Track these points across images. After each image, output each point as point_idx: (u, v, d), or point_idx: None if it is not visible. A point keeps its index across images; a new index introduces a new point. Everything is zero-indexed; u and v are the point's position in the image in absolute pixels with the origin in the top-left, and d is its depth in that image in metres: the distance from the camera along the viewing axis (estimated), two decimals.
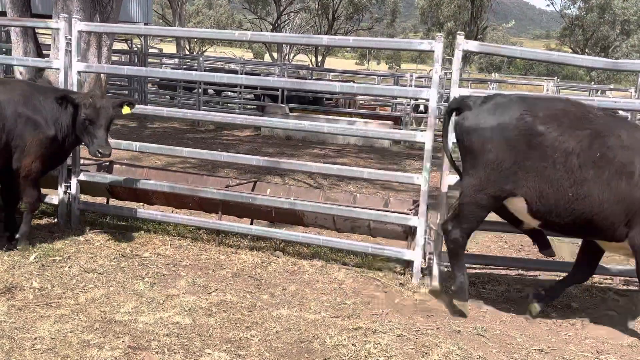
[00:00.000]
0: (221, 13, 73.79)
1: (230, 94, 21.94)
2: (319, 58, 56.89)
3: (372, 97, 20.14)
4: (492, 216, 5.01)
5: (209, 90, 21.59)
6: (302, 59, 62.78)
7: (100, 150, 5.34)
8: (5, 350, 3.84)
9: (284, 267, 5.79)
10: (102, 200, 7.06)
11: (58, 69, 6.38)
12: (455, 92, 5.19)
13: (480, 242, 7.20)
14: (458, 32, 5.18)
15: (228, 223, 6.28)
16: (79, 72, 6.30)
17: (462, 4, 54.89)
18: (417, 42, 5.35)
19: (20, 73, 11.14)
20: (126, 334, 4.18)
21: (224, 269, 5.66)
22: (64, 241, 6.03)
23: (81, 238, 6.18)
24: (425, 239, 5.53)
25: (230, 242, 6.43)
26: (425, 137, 5.41)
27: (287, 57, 52.94)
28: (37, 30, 12.33)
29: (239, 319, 4.57)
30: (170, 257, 5.86)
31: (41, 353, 3.85)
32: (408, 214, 5.64)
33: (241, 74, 20.81)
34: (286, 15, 54.62)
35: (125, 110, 5.69)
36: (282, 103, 17.93)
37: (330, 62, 68.40)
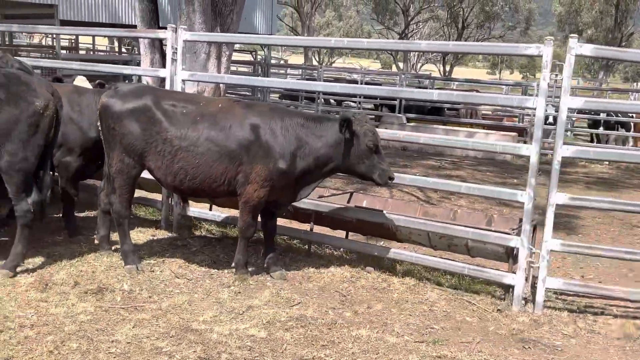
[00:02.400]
0: (350, 25, 74.71)
1: (351, 104, 21.96)
2: (447, 67, 55.72)
3: (496, 108, 19.23)
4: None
5: (331, 100, 21.73)
6: (430, 68, 61.84)
7: (391, 176, 5.14)
8: (82, 351, 3.93)
9: (373, 283, 5.51)
10: (204, 206, 7.18)
11: (164, 77, 6.58)
12: (567, 101, 4.66)
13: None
14: (570, 35, 4.65)
15: (320, 234, 6.13)
16: (183, 81, 6.46)
17: (605, 9, 51.24)
18: (524, 46, 4.87)
19: (147, 82, 11.82)
20: (199, 344, 4.13)
21: (311, 281, 5.50)
22: (162, 245, 6.19)
23: (179, 243, 6.31)
24: (528, 262, 5.01)
25: (321, 253, 6.27)
26: (531, 151, 4.91)
27: (414, 67, 52.38)
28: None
29: (315, 336, 4.38)
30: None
31: (114, 357, 3.89)
32: (509, 233, 5.15)
33: (361, 84, 20.78)
34: (414, 25, 54.04)
35: None
36: (399, 113, 17.60)
37: (460, 72, 66.84)
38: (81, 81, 6.71)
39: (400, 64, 52.32)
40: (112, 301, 4.74)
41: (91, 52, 25.17)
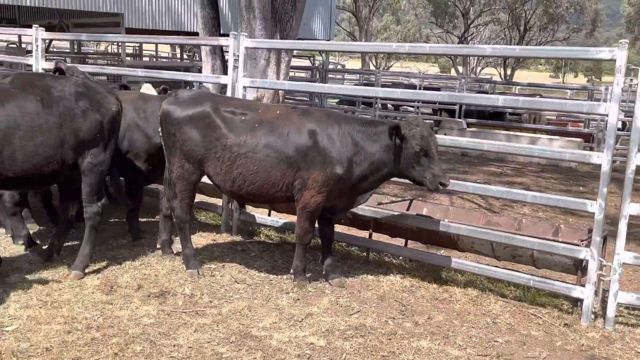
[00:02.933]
0: (408, 28, 74.17)
1: (408, 108, 21.74)
2: (508, 71, 54.53)
3: (561, 113, 18.62)
4: None
5: (388, 105, 21.59)
6: (491, 71, 60.70)
7: (442, 182, 4.92)
8: (145, 354, 3.99)
9: (434, 293, 5.39)
10: (263, 212, 7.22)
11: (226, 84, 6.66)
12: None
13: None
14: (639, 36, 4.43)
15: (379, 242, 6.06)
16: (244, 87, 6.53)
17: None
18: (596, 50, 4.67)
19: (209, 88, 12.04)
20: (259, 350, 4.13)
21: (370, 290, 5.43)
22: (222, 250, 6.25)
23: (238, 247, 6.36)
24: (598, 274, 4.79)
25: (380, 261, 6.20)
26: (602, 159, 4.70)
27: (473, 71, 51.52)
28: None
29: (375, 347, 4.31)
30: (318, 273, 5.77)
31: None
32: (578, 244, 4.94)
33: (420, 88, 20.57)
34: (474, 28, 53.18)
35: None
36: (459, 117, 17.30)
37: (522, 75, 65.30)
38: (147, 89, 6.86)
39: (460, 68, 51.58)
40: (174, 305, 4.81)
41: (154, 59, 25.86)
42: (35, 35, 8.18)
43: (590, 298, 4.82)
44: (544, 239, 5.06)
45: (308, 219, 5.28)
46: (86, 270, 5.28)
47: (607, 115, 4.61)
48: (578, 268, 5.06)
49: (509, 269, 5.47)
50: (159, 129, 5.57)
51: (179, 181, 5.43)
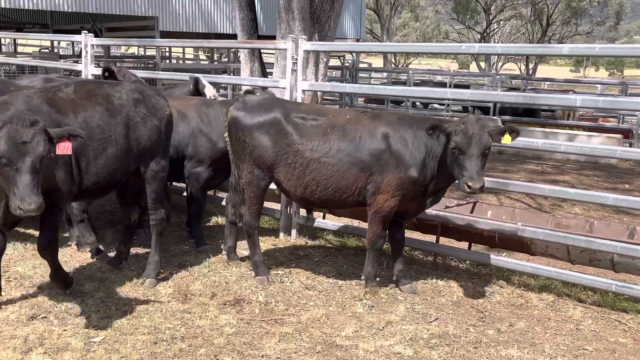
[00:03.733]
0: (427, 25, 73.73)
1: (437, 106, 21.57)
2: (530, 66, 53.91)
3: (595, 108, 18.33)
4: None
5: (417, 103, 21.43)
6: (512, 67, 60.11)
7: (468, 184, 4.59)
8: None
9: (509, 299, 5.28)
10: (318, 214, 7.16)
11: (284, 88, 6.59)
12: None
13: None
14: None
15: (446, 246, 5.96)
16: (303, 91, 6.46)
17: None
18: None
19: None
20: None
21: (443, 296, 5.34)
22: (285, 255, 6.19)
23: (300, 252, 6.30)
24: None
25: (446, 266, 6.10)
26: None
27: (494, 66, 51.02)
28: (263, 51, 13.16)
29: (463, 356, 4.22)
30: (386, 278, 5.69)
31: None
32: None
33: (449, 86, 20.40)
34: (495, 24, 52.66)
35: (506, 139, 4.82)
36: (494, 115, 17.08)
37: (543, 70, 64.58)
38: (209, 90, 6.80)
39: (482, 64, 51.12)
40: (251, 313, 4.75)
41: (180, 62, 25.94)
42: (84, 42, 8.19)
43: None
44: (626, 242, 4.92)
45: (380, 224, 5.19)
46: (157, 280, 5.26)
47: None
48: None
49: (587, 275, 5.34)
50: (225, 135, 5.52)
51: (248, 187, 5.38)
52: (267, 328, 4.50)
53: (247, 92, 5.88)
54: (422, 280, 5.65)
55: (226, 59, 23.82)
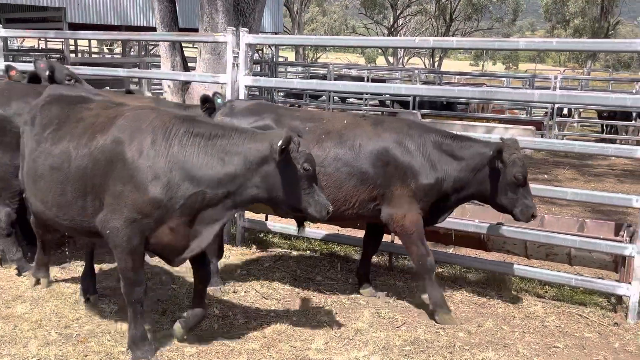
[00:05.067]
0: (334, 19, 74.32)
1: (354, 101, 21.61)
2: (429, 61, 55.49)
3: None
4: None
5: (335, 97, 21.36)
6: (416, 61, 61.73)
7: (534, 214, 4.49)
8: None
9: (471, 298, 5.21)
10: (261, 216, 6.83)
11: (225, 83, 6.20)
12: None
13: None
14: None
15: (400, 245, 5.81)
16: (246, 87, 6.09)
17: None
18: (639, 42, 4.57)
19: (169, 86, 11.39)
20: None
21: (404, 298, 5.17)
22: (234, 262, 5.83)
23: (249, 258, 5.96)
24: None
25: (402, 266, 5.96)
26: None
27: (401, 61, 52.18)
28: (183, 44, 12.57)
29: None
30: (343, 282, 5.47)
31: None
32: (621, 241, 4.87)
33: (367, 80, 20.46)
34: (401, 19, 53.84)
35: None
36: (413, 109, 17.30)
37: (445, 65, 66.78)
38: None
39: (390, 58, 52.14)
40: (210, 329, 4.37)
41: (87, 55, 24.52)
42: None
43: (636, 295, 4.76)
44: (585, 236, 4.96)
45: (416, 241, 4.66)
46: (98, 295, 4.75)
47: None
48: (618, 265, 5.00)
49: (546, 270, 5.35)
50: None
51: None
52: (232, 346, 4.14)
53: (205, 99, 5.32)
54: (380, 282, 5.48)
55: (134, 52, 22.73)
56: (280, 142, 3.56)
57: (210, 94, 5.53)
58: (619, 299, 5.01)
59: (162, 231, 3.65)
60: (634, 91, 20.14)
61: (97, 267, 5.42)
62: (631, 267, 4.85)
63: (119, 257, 3.73)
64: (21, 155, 4.21)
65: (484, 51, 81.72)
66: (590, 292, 5.26)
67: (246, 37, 6.01)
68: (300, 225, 4.59)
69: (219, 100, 5.33)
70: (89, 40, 21.95)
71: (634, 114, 17.21)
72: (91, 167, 3.70)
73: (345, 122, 4.82)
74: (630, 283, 4.80)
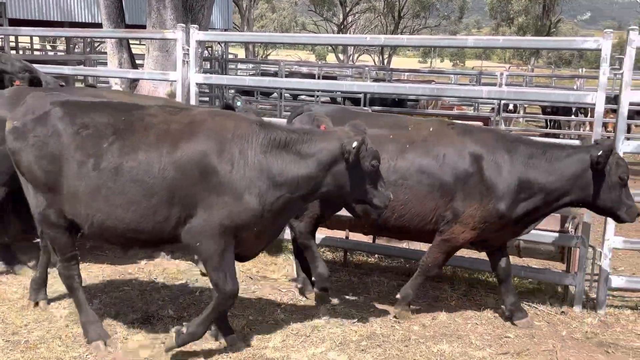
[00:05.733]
0: (284, 16, 74.11)
1: (306, 98, 21.61)
2: (379, 58, 56.03)
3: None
4: None
5: (285, 95, 21.32)
6: (366, 59, 62.17)
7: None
8: None
9: (424, 291, 5.29)
10: None
11: (175, 80, 6.11)
12: (628, 95, 4.58)
13: None
14: (630, 27, 4.55)
15: (353, 241, 5.86)
16: (197, 84, 6.02)
17: None
18: (580, 40, 4.75)
19: (116, 84, 11.14)
20: None
21: (360, 294, 5.22)
22: (186, 262, 5.75)
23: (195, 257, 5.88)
24: (588, 260, 4.91)
25: (357, 262, 6.00)
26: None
27: (351, 58, 52.50)
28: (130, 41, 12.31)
29: (397, 355, 4.12)
30: (289, 277, 5.47)
31: None
32: (567, 232, 5.04)
33: (319, 77, 20.51)
34: (351, 17, 54.14)
35: None
36: (364, 106, 17.43)
37: (396, 62, 67.49)
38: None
39: (341, 56, 52.35)
40: (164, 331, 4.29)
41: (28, 52, 23.68)
42: None
43: (582, 284, 4.93)
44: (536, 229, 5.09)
45: (446, 254, 4.59)
46: (48, 299, 4.61)
47: (594, 105, 4.70)
48: (564, 255, 5.17)
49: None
50: None
51: None
52: (187, 346, 4.08)
53: (227, 105, 5.02)
54: (336, 278, 5.51)
55: (78, 50, 22.12)
56: (355, 144, 3.64)
57: (230, 99, 5.36)
58: (566, 288, 5.18)
59: (249, 236, 3.74)
60: (575, 87, 20.84)
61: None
62: (576, 258, 5.04)
63: (212, 268, 3.76)
64: (44, 171, 3.76)
65: (432, 48, 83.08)
66: (539, 283, 5.42)
67: (196, 34, 5.94)
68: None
69: (238, 103, 5.20)
70: (31, 36, 21.21)
71: (573, 109, 17.82)
72: (179, 178, 3.60)
73: (431, 130, 4.57)
74: (575, 273, 4.97)
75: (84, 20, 17.15)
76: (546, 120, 19.88)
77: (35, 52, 25.49)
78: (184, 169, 3.60)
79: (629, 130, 18.13)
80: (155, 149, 3.64)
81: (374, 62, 55.49)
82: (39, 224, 3.95)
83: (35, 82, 5.50)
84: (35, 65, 5.96)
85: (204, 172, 3.59)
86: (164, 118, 3.79)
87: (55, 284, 4.94)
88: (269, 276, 5.51)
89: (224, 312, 3.98)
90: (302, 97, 21.66)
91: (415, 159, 4.43)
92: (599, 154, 4.17)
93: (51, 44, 34.55)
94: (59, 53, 27.81)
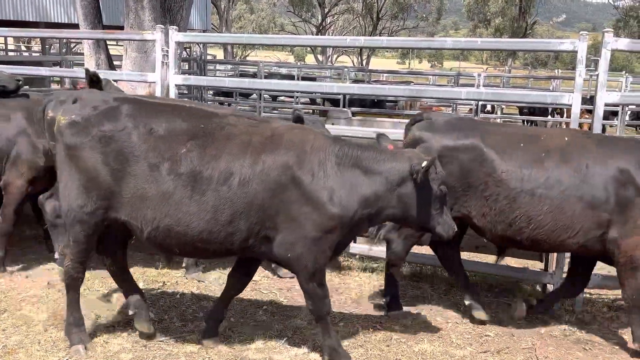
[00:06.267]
0: (262, 17, 73.96)
1: (286, 99, 21.61)
2: (364, 58, 56.26)
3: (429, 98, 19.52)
4: None
5: (265, 96, 21.28)
6: (345, 60, 62.33)
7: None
8: None
9: (405, 290, 5.32)
10: None
11: (154, 82, 6.07)
12: (604, 96, 4.66)
13: None
14: (605, 29, 4.63)
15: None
16: (176, 86, 5.98)
17: None
18: (557, 42, 4.82)
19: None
20: None
21: (341, 293, 5.25)
22: (159, 265, 5.69)
23: (183, 260, 5.85)
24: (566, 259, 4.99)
25: (337, 263, 6.01)
26: None
27: (330, 59, 52.60)
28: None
29: (379, 355, 4.14)
30: (280, 281, 5.48)
31: None
32: None
33: (298, 78, 20.53)
34: (329, 18, 54.26)
35: None
36: (344, 107, 17.48)
37: (373, 63, 67.80)
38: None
39: (319, 57, 52.43)
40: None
41: (2, 53, 23.32)
42: None
43: (559, 283, 5.00)
44: None
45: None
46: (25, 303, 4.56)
47: (571, 105, 4.78)
48: (544, 255, 5.24)
49: (477, 260, 5.55)
50: None
51: None
52: (168, 349, 4.07)
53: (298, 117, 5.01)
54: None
55: (54, 50, 21.85)
56: (425, 164, 3.61)
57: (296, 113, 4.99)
58: (544, 286, 5.25)
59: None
60: (551, 88, 21.14)
61: (23, 274, 5.24)
62: (554, 257, 5.11)
63: (305, 278, 3.75)
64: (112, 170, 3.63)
65: (411, 50, 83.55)
66: (517, 281, 5.49)
67: (176, 35, 5.91)
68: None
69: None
70: (5, 37, 20.89)
71: (549, 109, 18.08)
72: (260, 190, 3.56)
73: (566, 139, 4.35)
74: (553, 272, 5.04)
75: (59, 21, 16.93)
76: (523, 121, 20.11)
77: (10, 53, 25.18)
78: (266, 181, 3.57)
79: (603, 131, 18.53)
80: (237, 159, 3.59)
81: (353, 63, 55.67)
82: (74, 224, 3.75)
83: None
84: (10, 66, 5.89)
85: (287, 184, 3.58)
86: (245, 129, 3.73)
87: (34, 288, 4.90)
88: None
89: (327, 313, 3.90)
90: (282, 98, 21.69)
91: (553, 169, 4.21)
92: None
93: (26, 44, 34.09)
94: (34, 54, 27.49)
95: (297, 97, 20.10)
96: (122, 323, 4.39)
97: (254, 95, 19.91)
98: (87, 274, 5.26)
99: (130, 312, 4.15)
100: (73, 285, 3.94)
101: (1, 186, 5.25)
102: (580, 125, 5.07)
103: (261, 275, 5.59)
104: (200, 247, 3.69)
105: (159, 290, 5.06)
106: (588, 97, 8.35)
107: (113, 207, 3.68)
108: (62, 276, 4.02)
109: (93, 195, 3.66)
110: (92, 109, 3.68)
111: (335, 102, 18.31)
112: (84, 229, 3.74)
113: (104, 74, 5.78)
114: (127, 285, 4.26)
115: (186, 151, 3.57)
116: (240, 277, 4.19)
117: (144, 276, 5.36)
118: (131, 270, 5.34)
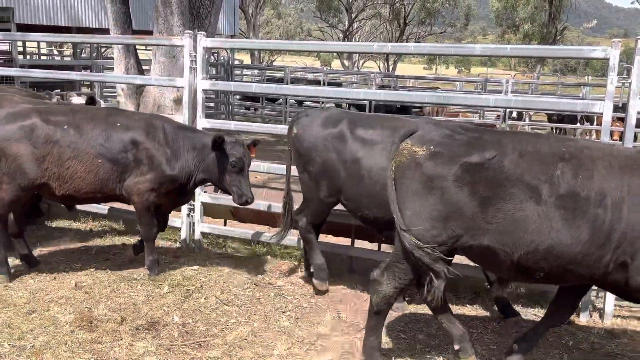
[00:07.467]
0: (290, 22, 74.27)
1: (311, 104, 21.63)
2: (390, 63, 56.07)
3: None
4: None
5: (291, 101, 21.34)
6: (371, 65, 62.26)
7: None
8: None
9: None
10: (220, 221, 6.78)
11: (182, 87, 6.12)
12: (637, 104, 4.56)
13: None
14: (638, 36, 4.53)
15: (362, 249, 5.84)
16: (204, 91, 6.02)
17: (540, 4, 52.94)
18: (589, 49, 4.73)
19: (122, 90, 11.18)
20: None
21: (366, 300, 5.19)
22: (191, 268, 5.74)
23: (208, 264, 5.88)
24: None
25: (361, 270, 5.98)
26: None
27: (356, 64, 52.53)
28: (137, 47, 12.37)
29: None
30: (304, 287, 5.46)
31: None
32: None
33: (324, 84, 20.56)
34: (356, 23, 54.23)
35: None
36: (369, 112, 17.43)
37: (399, 68, 67.58)
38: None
39: (346, 62, 52.43)
40: (169, 337, 4.30)
41: (35, 57, 23.79)
42: None
43: (588, 295, 4.89)
44: None
45: None
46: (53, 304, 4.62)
47: (602, 114, 4.69)
48: None
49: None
50: None
51: None
52: (192, 353, 4.09)
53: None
54: (341, 286, 5.49)
55: (85, 55, 22.21)
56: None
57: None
58: None
59: None
60: (580, 95, 20.80)
61: (51, 275, 5.31)
62: None
63: None
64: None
65: (438, 55, 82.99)
66: (544, 293, 5.39)
67: (204, 41, 5.95)
68: None
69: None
70: (38, 42, 21.32)
71: (578, 117, 17.79)
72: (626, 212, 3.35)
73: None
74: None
75: (90, 25, 17.23)
76: (552, 128, 19.83)
77: (42, 57, 25.66)
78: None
79: (636, 139, 18.14)
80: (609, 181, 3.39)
81: (379, 69, 55.59)
82: (416, 251, 3.54)
83: None
84: (42, 71, 5.98)
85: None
86: (607, 153, 3.51)
87: (61, 289, 4.97)
88: (274, 283, 5.49)
89: None
90: (307, 103, 21.72)
91: None
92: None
93: (58, 48, 34.74)
94: (65, 58, 27.99)
95: (323, 102, 20.12)
96: (146, 326, 4.42)
97: (280, 100, 19.99)
98: (114, 275, 5.35)
99: (456, 347, 4.06)
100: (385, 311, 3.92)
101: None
102: (612, 133, 4.97)
103: (285, 280, 5.59)
104: (571, 269, 3.46)
105: (184, 294, 5.08)
106: (620, 104, 8.19)
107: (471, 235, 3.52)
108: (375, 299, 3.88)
109: (452, 225, 3.52)
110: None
111: (361, 108, 18.26)
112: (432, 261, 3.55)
113: (132, 78, 5.87)
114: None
115: (560, 173, 3.41)
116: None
117: (168, 279, 5.39)
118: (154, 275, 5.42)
